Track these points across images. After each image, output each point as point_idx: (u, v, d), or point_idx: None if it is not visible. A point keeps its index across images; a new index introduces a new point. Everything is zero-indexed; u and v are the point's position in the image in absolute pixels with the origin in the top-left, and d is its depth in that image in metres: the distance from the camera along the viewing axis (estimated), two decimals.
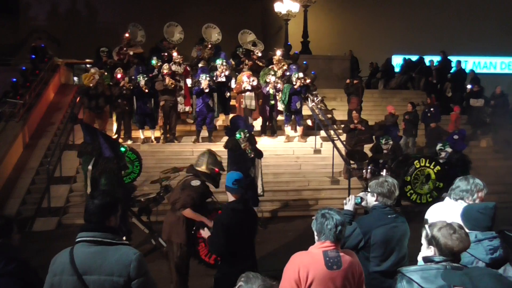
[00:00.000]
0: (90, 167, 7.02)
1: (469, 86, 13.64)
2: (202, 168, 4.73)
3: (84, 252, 2.41)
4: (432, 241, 2.35)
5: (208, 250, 4.72)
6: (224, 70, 10.85)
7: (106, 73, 11.05)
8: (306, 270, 2.63)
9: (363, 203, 3.50)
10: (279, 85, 10.99)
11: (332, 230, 2.66)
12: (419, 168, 7.15)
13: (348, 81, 12.43)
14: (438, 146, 7.68)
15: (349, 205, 3.47)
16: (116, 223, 2.55)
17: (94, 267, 2.37)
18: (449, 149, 7.51)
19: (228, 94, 11.12)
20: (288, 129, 11.29)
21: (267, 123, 11.27)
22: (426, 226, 2.44)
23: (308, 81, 11.47)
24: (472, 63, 20.43)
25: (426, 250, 2.39)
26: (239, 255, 3.56)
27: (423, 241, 2.43)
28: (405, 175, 7.11)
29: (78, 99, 11.37)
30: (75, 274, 2.36)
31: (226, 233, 3.51)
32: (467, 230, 2.88)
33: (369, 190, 3.36)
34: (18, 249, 2.91)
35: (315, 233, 2.75)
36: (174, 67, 11.03)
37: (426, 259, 2.37)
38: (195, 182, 4.56)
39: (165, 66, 10.59)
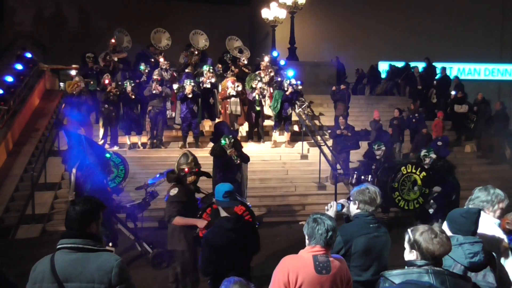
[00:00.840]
0: (74, 170, 6.97)
1: (453, 92, 13.87)
2: (176, 171, 4.70)
3: (65, 260, 2.38)
4: (414, 245, 2.39)
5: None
6: (210, 77, 10.87)
7: (92, 82, 10.99)
8: (295, 273, 2.66)
9: (344, 210, 3.52)
10: (265, 91, 11.04)
11: (323, 235, 2.70)
12: (406, 174, 7.21)
13: (334, 88, 12.53)
14: (423, 152, 7.75)
15: (330, 212, 3.47)
16: (97, 230, 2.52)
17: (74, 274, 2.35)
18: (433, 155, 7.60)
19: (213, 100, 11.13)
20: (276, 134, 11.34)
21: (254, 129, 11.31)
22: (409, 230, 2.48)
23: (300, 87, 11.55)
24: (456, 70, 20.78)
25: (409, 254, 2.43)
26: (230, 275, 3.40)
27: (406, 245, 2.47)
28: (393, 182, 7.16)
29: (63, 105, 11.27)
30: (56, 281, 2.34)
31: (213, 253, 3.37)
32: (450, 234, 2.94)
33: (351, 198, 3.38)
34: None
35: (306, 237, 2.79)
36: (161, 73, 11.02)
37: (409, 263, 2.41)
38: (173, 191, 4.53)
39: (156, 72, 10.58)
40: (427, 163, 7.50)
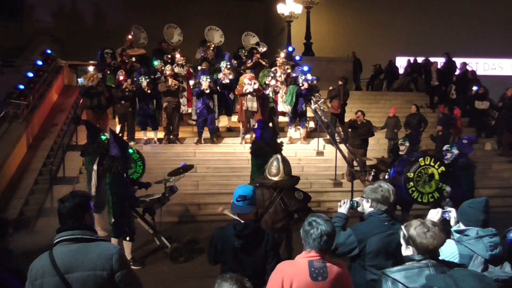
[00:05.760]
0: (95, 166, 7.04)
1: (474, 88, 13.49)
2: (279, 177, 4.33)
3: (64, 252, 2.41)
4: (409, 241, 2.40)
5: None
6: (228, 74, 10.85)
7: (109, 72, 11.09)
8: (290, 280, 2.58)
9: (359, 209, 3.47)
10: (278, 89, 10.96)
11: (316, 240, 2.60)
12: (423, 166, 7.07)
13: (331, 88, 11.92)
14: (445, 147, 7.68)
15: (343, 208, 3.43)
16: (91, 221, 2.56)
17: (76, 264, 2.37)
18: (455, 151, 7.47)
19: (233, 96, 11.13)
20: (291, 131, 11.27)
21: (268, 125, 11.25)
22: (403, 226, 2.49)
23: (315, 82, 11.44)
24: (477, 64, 20.18)
25: (406, 250, 2.44)
26: None
27: (402, 241, 2.47)
28: (408, 171, 7.06)
29: (81, 101, 11.41)
30: (57, 274, 2.35)
31: (215, 253, 3.25)
32: (463, 227, 2.91)
33: (364, 196, 3.31)
34: (10, 251, 2.90)
35: (303, 241, 2.70)
36: (177, 69, 11.05)
37: (407, 258, 2.41)
38: (300, 196, 4.35)
39: (168, 67, 10.60)
40: (448, 158, 7.36)
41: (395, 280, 2.30)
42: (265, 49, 12.42)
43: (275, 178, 4.30)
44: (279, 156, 4.46)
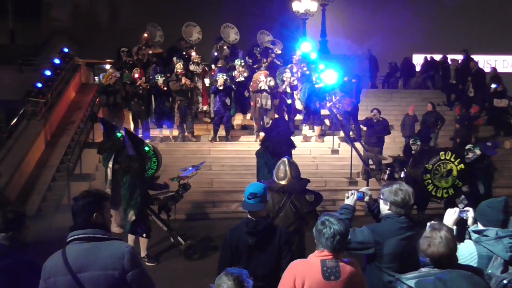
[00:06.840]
0: (110, 164, 7.13)
1: (493, 86, 13.21)
2: (286, 180, 4.24)
3: (77, 250, 2.42)
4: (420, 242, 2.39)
5: None
6: (242, 72, 10.83)
7: (126, 71, 11.20)
8: (302, 279, 2.57)
9: (366, 199, 3.45)
10: (295, 82, 10.89)
11: (329, 239, 2.58)
12: (443, 160, 6.99)
13: (346, 78, 11.76)
14: (468, 146, 7.55)
15: (350, 200, 3.41)
16: (103, 220, 2.55)
17: (87, 263, 2.38)
18: (478, 151, 7.34)
19: (248, 94, 11.13)
20: (306, 128, 11.22)
21: None
22: (428, 223, 2.47)
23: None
24: (498, 62, 19.69)
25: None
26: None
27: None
28: (428, 163, 6.98)
29: (98, 99, 11.55)
30: (69, 273, 2.37)
31: (229, 254, 3.19)
32: (481, 227, 2.84)
33: (381, 197, 3.23)
34: (26, 244, 2.93)
35: (316, 240, 2.68)
36: (192, 67, 11.08)
37: (423, 264, 2.36)
38: (311, 198, 4.31)
39: (179, 65, 10.58)
40: (470, 157, 7.24)
41: (410, 287, 2.25)
42: (280, 51, 12.38)
43: (283, 182, 4.25)
44: (285, 160, 4.37)
